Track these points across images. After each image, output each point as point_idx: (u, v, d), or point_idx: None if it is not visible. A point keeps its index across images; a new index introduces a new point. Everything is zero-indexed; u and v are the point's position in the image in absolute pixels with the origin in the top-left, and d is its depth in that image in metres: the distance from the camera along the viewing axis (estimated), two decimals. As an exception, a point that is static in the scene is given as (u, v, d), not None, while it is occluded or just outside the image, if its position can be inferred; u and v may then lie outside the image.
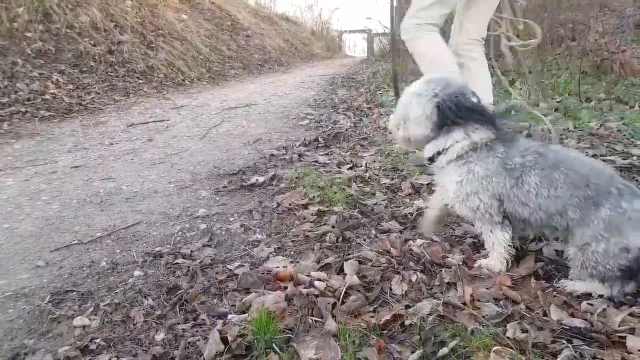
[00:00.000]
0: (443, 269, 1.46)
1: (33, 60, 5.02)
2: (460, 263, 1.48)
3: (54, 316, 1.38)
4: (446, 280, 1.39)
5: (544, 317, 1.23)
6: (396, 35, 9.19)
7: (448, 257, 1.53)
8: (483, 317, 1.21)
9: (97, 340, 1.25)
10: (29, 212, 2.17)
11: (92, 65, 5.55)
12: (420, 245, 1.59)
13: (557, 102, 4.00)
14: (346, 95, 5.67)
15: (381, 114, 4.12)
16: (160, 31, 7.42)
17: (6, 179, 2.66)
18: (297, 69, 10.08)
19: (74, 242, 1.86)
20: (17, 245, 1.85)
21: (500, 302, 1.30)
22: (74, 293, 1.50)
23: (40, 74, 4.86)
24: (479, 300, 1.30)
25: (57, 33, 5.59)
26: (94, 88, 5.17)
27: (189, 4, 9.49)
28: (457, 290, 1.35)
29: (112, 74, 5.73)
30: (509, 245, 1.44)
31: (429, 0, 2.51)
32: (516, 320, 1.20)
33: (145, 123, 4.22)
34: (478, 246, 1.63)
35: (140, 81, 6.00)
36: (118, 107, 4.88)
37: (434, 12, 2.54)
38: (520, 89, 4.23)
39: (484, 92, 2.60)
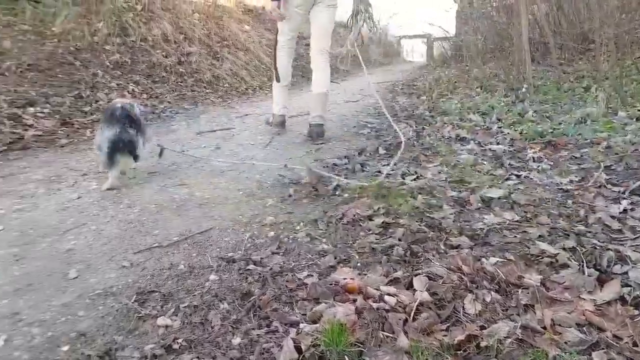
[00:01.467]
0: (519, 290, 1.42)
1: (111, 72, 5.37)
2: (538, 284, 1.44)
3: (140, 315, 1.48)
4: (523, 302, 1.36)
5: (634, 348, 1.18)
6: (459, 40, 9.05)
7: (524, 278, 1.49)
8: (565, 343, 1.18)
9: (179, 341, 1.33)
10: (113, 215, 2.33)
11: (163, 76, 5.86)
12: (494, 264, 1.56)
13: (639, 110, 3.78)
14: (407, 102, 5.65)
15: (445, 123, 4.06)
16: (225, 42, 7.71)
17: (91, 183, 2.87)
18: (356, 76, 10.10)
19: (154, 245, 1.98)
20: (104, 246, 1.99)
21: (584, 328, 1.26)
22: (157, 294, 1.60)
23: (117, 84, 5.20)
24: (559, 325, 1.26)
25: (133, 46, 5.96)
26: (166, 97, 5.46)
27: (251, 15, 9.78)
28: (535, 313, 1.31)
29: (181, 83, 6.03)
30: None
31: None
32: (602, 349, 1.15)
33: (213, 131, 4.39)
34: (556, 266, 1.59)
35: (207, 90, 6.27)
36: (187, 116, 5.11)
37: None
38: (596, 96, 4.03)
39: (318, 86, 3.93)
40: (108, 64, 5.43)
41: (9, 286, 1.68)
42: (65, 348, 1.34)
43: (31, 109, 4.16)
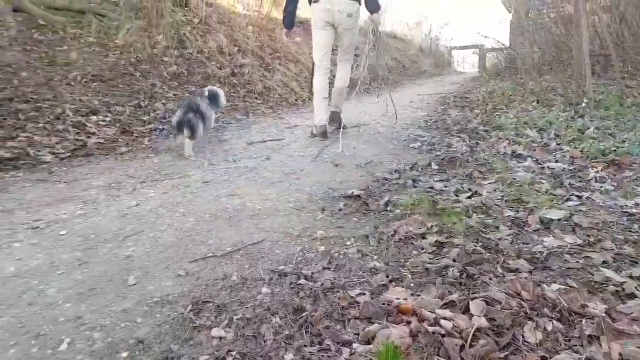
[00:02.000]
0: (583, 320, 1.36)
1: (169, 82, 5.58)
2: (603, 314, 1.37)
3: (195, 325, 1.51)
4: (587, 333, 1.29)
5: None
6: (513, 51, 8.81)
7: (588, 307, 1.42)
8: (635, 381, 1.11)
9: (233, 353, 1.35)
10: (169, 223, 2.40)
11: (217, 87, 6.03)
12: (556, 291, 1.50)
13: None
14: (459, 116, 5.54)
15: (500, 138, 3.95)
16: (277, 54, 7.85)
17: (148, 191, 2.98)
18: (405, 88, 10.03)
19: (208, 255, 2.03)
20: (161, 254, 2.06)
21: (656, 365, 1.18)
22: (211, 304, 1.63)
23: (174, 95, 5.39)
24: (628, 360, 1.19)
25: (189, 57, 6.17)
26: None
27: (302, 27, 9.92)
28: (600, 345, 1.24)
29: (234, 94, 6.18)
30: None
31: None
32: (675, 387, 1.08)
33: (263, 142, 4.46)
34: (622, 296, 1.50)
35: (258, 101, 6.40)
36: (239, 126, 5.23)
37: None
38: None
39: (339, 82, 4.67)
40: (166, 74, 5.65)
41: (73, 290, 1.76)
42: (125, 354, 1.39)
43: (94, 118, 4.38)
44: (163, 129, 4.62)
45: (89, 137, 4.08)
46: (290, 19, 4.79)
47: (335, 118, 4.67)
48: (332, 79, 4.76)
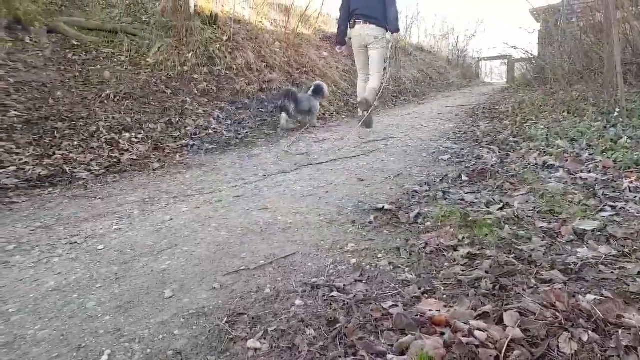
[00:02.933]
0: (619, 330, 1.34)
1: (199, 99, 5.73)
2: (640, 325, 1.35)
3: (231, 337, 1.55)
4: (624, 344, 1.28)
5: None
6: (543, 61, 8.70)
7: (624, 317, 1.40)
8: (675, 392, 1.10)
9: (269, 365, 1.38)
10: (202, 237, 2.46)
11: (246, 102, 6.16)
12: (591, 301, 1.48)
13: None
14: (489, 127, 5.49)
15: (530, 149, 3.90)
16: (304, 69, 7.96)
17: (181, 206, 3.05)
18: (433, 100, 10.01)
19: (242, 268, 2.07)
20: (196, 267, 2.11)
21: (696, 377, 1.16)
22: (245, 316, 1.67)
23: (204, 111, 5.53)
24: (666, 372, 1.17)
25: (218, 74, 6.33)
26: (248, 123, 5.72)
27: (329, 42, 10.05)
28: (638, 356, 1.23)
29: (262, 109, 6.30)
30: None
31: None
32: None
33: (292, 156, 4.52)
34: (658, 306, 1.48)
35: (287, 116, 6.50)
36: (268, 141, 5.31)
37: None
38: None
39: (371, 84, 5.77)
40: (196, 91, 5.80)
41: (111, 303, 1.83)
42: (163, 365, 1.43)
43: (127, 135, 4.54)
44: (194, 144, 4.74)
45: (122, 154, 4.22)
46: (341, 37, 6.08)
47: (364, 103, 5.80)
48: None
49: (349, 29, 5.87)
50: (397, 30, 5.70)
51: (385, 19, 5.57)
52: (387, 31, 5.66)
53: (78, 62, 5.25)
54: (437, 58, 17.00)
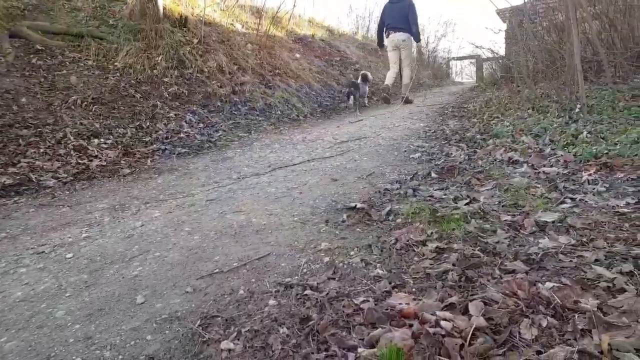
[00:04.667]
0: (576, 315, 1.41)
1: (170, 103, 5.69)
2: (595, 309, 1.42)
3: (204, 339, 1.56)
4: (580, 327, 1.34)
5: (696, 373, 1.15)
6: (509, 61, 8.91)
7: (581, 302, 1.48)
8: (624, 369, 1.17)
9: (242, 364, 1.40)
10: (175, 242, 2.46)
11: (218, 105, 6.14)
12: (550, 289, 1.55)
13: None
14: (458, 125, 5.60)
15: (497, 145, 4.01)
16: (277, 70, 7.98)
17: (153, 211, 3.04)
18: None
19: (215, 271, 2.08)
20: (168, 272, 2.11)
21: (642, 353, 1.24)
22: (219, 318, 1.68)
23: (175, 115, 5.49)
24: (617, 350, 1.24)
25: (190, 77, 6.29)
26: (221, 126, 5.71)
27: (301, 43, 10.08)
28: (592, 338, 1.30)
29: (235, 112, 6.29)
30: None
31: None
32: (662, 374, 1.13)
33: (266, 158, 4.53)
34: (613, 291, 1.55)
35: (260, 118, 6.50)
36: (242, 143, 5.31)
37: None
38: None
39: (404, 79, 8.90)
40: (167, 95, 5.75)
41: (81, 312, 1.81)
42: (136, 370, 1.44)
43: (96, 141, 4.47)
44: (165, 149, 4.70)
45: (91, 160, 4.16)
46: (380, 42, 9.04)
47: (406, 100, 8.74)
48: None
49: (386, 38, 8.70)
50: (419, 40, 8.71)
51: (409, 26, 8.26)
52: (411, 37, 8.45)
53: (43, 67, 5.15)
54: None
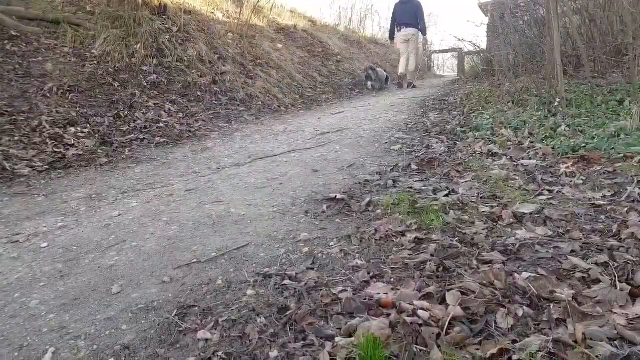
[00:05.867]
0: (551, 305, 1.43)
1: (149, 92, 5.58)
2: (570, 299, 1.44)
3: (181, 329, 1.55)
4: (555, 317, 1.36)
5: (667, 362, 1.17)
6: (490, 54, 8.99)
7: (556, 292, 1.50)
8: (596, 357, 1.18)
9: (219, 354, 1.39)
10: (152, 232, 2.43)
11: (198, 95, 6.05)
12: (527, 279, 1.57)
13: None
14: (438, 118, 5.63)
15: (477, 138, 4.05)
16: (258, 61, 7.89)
17: (130, 201, 2.99)
18: (387, 92, 10.15)
19: (193, 261, 2.06)
20: (145, 262, 2.08)
21: (615, 342, 1.26)
22: (196, 308, 1.67)
23: (154, 104, 5.39)
24: (591, 339, 1.26)
25: (169, 66, 6.18)
26: (201, 116, 5.62)
27: (283, 34, 10.00)
28: (567, 327, 1.32)
29: (216, 102, 6.20)
30: None
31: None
32: (634, 363, 1.16)
33: (247, 149, 4.50)
34: (588, 281, 1.58)
35: (241, 109, 6.42)
36: (222, 134, 5.25)
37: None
38: (630, 109, 3.95)
39: (410, 67, 10.54)
40: (145, 84, 5.64)
41: (56, 301, 1.78)
42: (111, 360, 1.41)
43: (72, 129, 4.36)
44: (144, 138, 4.63)
45: (67, 149, 4.06)
46: (392, 35, 10.47)
47: (410, 84, 10.50)
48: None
49: (397, 32, 10.09)
50: (425, 34, 10.53)
51: (418, 23, 9.86)
52: (419, 31, 10.02)
53: (18, 54, 5.00)
54: (390, 51, 17.17)
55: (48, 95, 4.63)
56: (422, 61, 11.95)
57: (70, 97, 4.75)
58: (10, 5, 5.53)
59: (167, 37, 6.45)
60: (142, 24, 6.14)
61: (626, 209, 2.24)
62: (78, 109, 4.67)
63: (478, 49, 9.42)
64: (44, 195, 3.17)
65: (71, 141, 4.19)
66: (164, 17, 6.71)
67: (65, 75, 5.00)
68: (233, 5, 9.07)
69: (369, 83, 9.92)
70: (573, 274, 1.66)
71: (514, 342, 1.28)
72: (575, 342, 1.25)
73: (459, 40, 11.04)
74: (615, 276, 1.60)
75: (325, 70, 10.10)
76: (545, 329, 1.34)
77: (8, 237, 2.45)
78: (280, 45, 9.23)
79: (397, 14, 10.07)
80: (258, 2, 9.26)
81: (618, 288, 1.51)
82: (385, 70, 10.74)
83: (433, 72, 21.39)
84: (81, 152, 4.09)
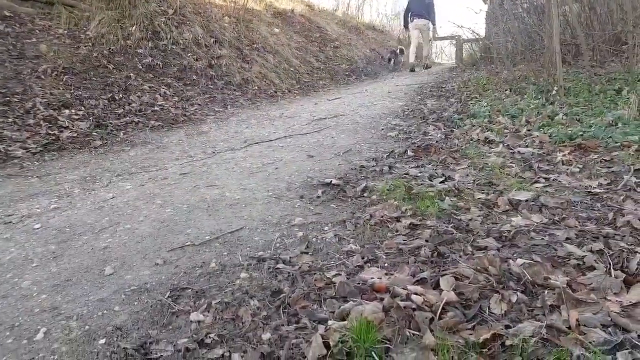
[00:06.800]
0: (545, 291, 1.43)
1: (144, 75, 5.53)
2: (564, 285, 1.44)
3: (173, 310, 1.54)
4: (549, 303, 1.36)
5: (659, 349, 1.17)
6: (488, 42, 8.94)
7: (550, 279, 1.49)
8: (590, 343, 1.18)
9: (212, 335, 1.38)
10: (146, 215, 2.41)
11: (194, 79, 5.99)
12: (521, 265, 1.57)
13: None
14: (436, 105, 5.60)
15: (473, 125, 4.03)
16: (255, 45, 7.81)
17: (124, 184, 2.97)
18: (384, 78, 10.11)
19: (187, 244, 2.04)
20: (138, 244, 2.07)
21: (609, 329, 1.26)
22: (189, 290, 1.66)
23: (150, 87, 5.34)
24: (584, 326, 1.26)
25: (165, 49, 6.11)
26: (196, 100, 5.58)
27: (280, 18, 9.90)
28: (560, 313, 1.31)
29: (211, 86, 6.15)
30: None
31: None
32: (627, 349, 1.15)
33: (242, 133, 4.47)
34: (583, 268, 1.58)
35: (237, 93, 6.38)
36: (217, 118, 5.22)
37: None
38: (628, 98, 3.94)
39: (424, 51, 12.67)
40: (140, 67, 5.58)
41: (48, 282, 1.77)
42: (102, 341, 1.40)
43: (66, 111, 4.32)
44: (139, 122, 4.59)
45: (61, 131, 4.03)
46: (406, 24, 11.74)
47: (423, 65, 12.06)
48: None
49: (410, 22, 11.35)
50: (435, 24, 11.72)
51: (429, 15, 11.21)
52: (429, 22, 11.36)
53: (11, 35, 4.93)
54: (388, 37, 17.07)
55: (42, 76, 4.58)
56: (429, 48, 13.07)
57: (64, 79, 4.70)
58: (3, -16, 5.43)
59: (163, 19, 6.37)
60: (137, 5, 6.06)
61: (622, 197, 2.24)
62: (72, 91, 4.62)
63: (477, 36, 9.36)
64: (37, 177, 3.14)
65: (65, 123, 4.15)
66: (159, -2, 6.63)
67: (60, 57, 4.94)
68: (230, -12, 8.96)
69: (391, 62, 12.05)
70: (568, 261, 1.65)
71: (507, 327, 1.28)
72: (569, 328, 1.25)
73: (458, 27, 11.16)
74: (610, 264, 1.60)
75: (323, 56, 10.02)
76: (538, 315, 1.34)
77: (1, 218, 2.43)
78: (277, 30, 9.13)
79: (412, 5, 11.49)
80: (255, -15, 9.16)
81: (612, 275, 1.51)
82: (402, 54, 12.46)
83: (431, 60, 21.28)
84: (75, 135, 4.06)
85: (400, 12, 20.14)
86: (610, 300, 1.38)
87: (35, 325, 1.50)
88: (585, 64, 5.35)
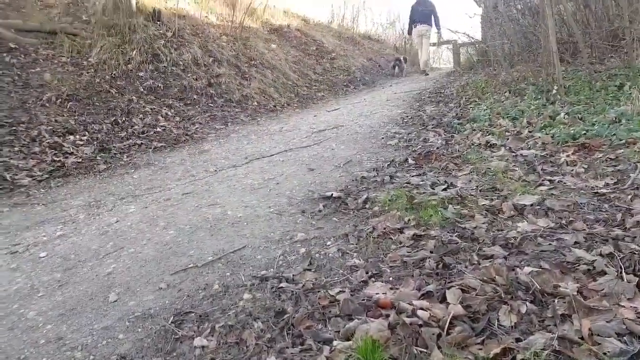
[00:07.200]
0: (555, 300, 1.39)
1: (145, 97, 5.56)
2: (575, 293, 1.40)
3: (177, 336, 1.53)
4: (560, 312, 1.32)
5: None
6: (485, 45, 8.93)
7: (560, 287, 1.45)
8: (604, 354, 1.14)
9: (216, 361, 1.36)
10: (149, 237, 2.40)
11: (194, 98, 6.03)
12: (529, 273, 1.53)
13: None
14: (435, 111, 5.58)
15: (474, 130, 4.00)
16: (253, 62, 7.85)
17: (128, 207, 2.97)
18: (382, 87, 10.10)
19: (190, 266, 2.03)
20: (142, 268, 2.06)
21: (624, 337, 1.21)
22: (193, 314, 1.64)
23: (151, 109, 5.38)
24: (598, 335, 1.21)
25: (165, 71, 6.15)
26: (197, 119, 5.60)
27: (277, 34, 9.96)
28: (572, 323, 1.27)
29: (212, 104, 6.18)
30: None
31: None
32: (643, 359, 1.11)
33: (243, 149, 4.47)
34: (593, 274, 1.54)
35: (237, 110, 6.39)
36: (218, 136, 5.23)
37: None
38: (630, 94, 3.89)
39: (425, 59, 12.20)
40: (142, 89, 5.63)
41: (53, 312, 1.77)
42: (107, 371, 1.39)
43: (71, 137, 4.36)
44: (142, 143, 4.61)
45: (66, 157, 4.07)
46: (410, 31, 11.90)
47: (424, 72, 11.78)
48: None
49: (414, 29, 11.52)
50: (439, 28, 11.57)
51: (431, 21, 11.35)
52: (431, 28, 11.49)
53: (16, 65, 5.00)
54: (384, 46, 17.08)
55: (47, 104, 4.64)
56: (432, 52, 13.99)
57: (68, 106, 4.75)
58: (8, 18, 5.53)
59: (162, 42, 6.43)
60: (137, 30, 6.13)
61: (630, 196, 2.19)
62: (76, 117, 4.67)
63: (473, 40, 9.36)
64: (43, 204, 3.16)
65: (70, 149, 4.19)
66: (158, 22, 6.69)
67: (63, 85, 5.00)
68: (226, 8, 9.01)
69: (396, 69, 12.26)
70: (577, 266, 1.61)
71: (518, 340, 1.24)
72: (582, 338, 1.21)
73: (454, 32, 11.37)
74: (621, 267, 1.55)
75: (320, 68, 10.04)
76: (549, 325, 1.30)
77: (8, 248, 2.45)
78: (274, 46, 9.18)
79: (414, 13, 11.83)
80: (251, 4, 9.21)
81: (625, 280, 1.46)
82: (405, 62, 12.52)
83: (430, 65, 21.28)
84: (80, 160, 4.09)
85: (395, 20, 20.33)
86: (623, 307, 1.33)
87: (41, 357, 1.50)
88: (584, 61, 5.30)
